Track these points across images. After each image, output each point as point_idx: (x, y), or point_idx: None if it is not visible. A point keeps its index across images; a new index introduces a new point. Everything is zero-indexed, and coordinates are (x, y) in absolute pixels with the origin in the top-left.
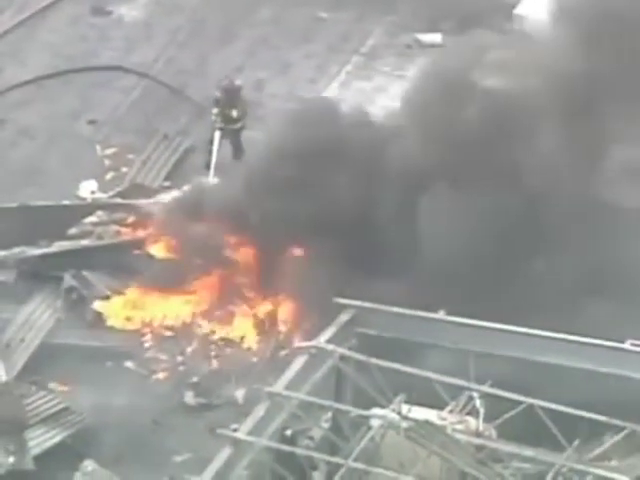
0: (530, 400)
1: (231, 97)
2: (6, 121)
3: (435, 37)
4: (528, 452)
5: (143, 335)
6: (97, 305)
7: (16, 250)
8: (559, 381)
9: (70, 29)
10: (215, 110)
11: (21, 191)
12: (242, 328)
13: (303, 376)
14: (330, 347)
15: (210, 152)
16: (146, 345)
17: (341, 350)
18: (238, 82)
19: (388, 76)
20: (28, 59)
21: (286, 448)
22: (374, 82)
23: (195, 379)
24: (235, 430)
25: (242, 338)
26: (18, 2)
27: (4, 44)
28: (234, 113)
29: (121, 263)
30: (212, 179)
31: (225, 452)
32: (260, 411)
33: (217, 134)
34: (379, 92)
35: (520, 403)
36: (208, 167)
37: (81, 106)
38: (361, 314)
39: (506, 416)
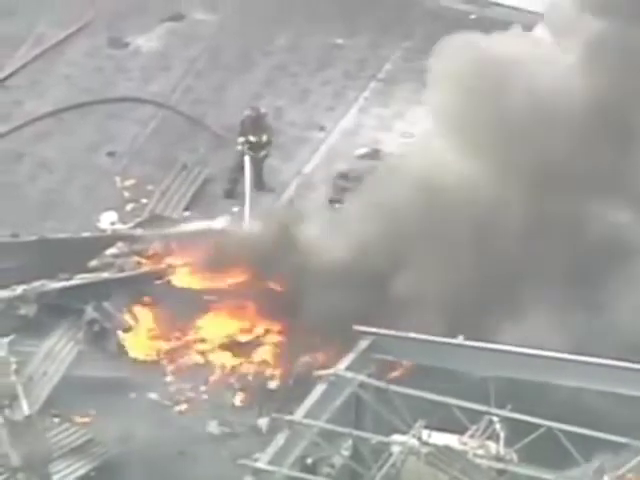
0: (550, 423)
1: (258, 124)
2: (25, 155)
3: None
4: (549, 476)
5: (166, 366)
6: (119, 336)
7: (37, 284)
8: (578, 403)
9: (87, 61)
10: (241, 139)
11: (41, 224)
12: (264, 356)
13: (323, 404)
14: (349, 374)
15: (231, 181)
16: (169, 376)
17: (360, 377)
18: (263, 110)
19: (406, 102)
20: (46, 92)
21: (307, 477)
22: (392, 108)
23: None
24: (256, 460)
25: (264, 366)
26: (35, 35)
27: (22, 77)
28: (264, 138)
29: (142, 294)
30: (247, 210)
31: None
32: (280, 440)
33: (247, 160)
34: (397, 118)
35: (540, 426)
36: (228, 196)
37: (99, 138)
38: (380, 341)
39: (526, 440)
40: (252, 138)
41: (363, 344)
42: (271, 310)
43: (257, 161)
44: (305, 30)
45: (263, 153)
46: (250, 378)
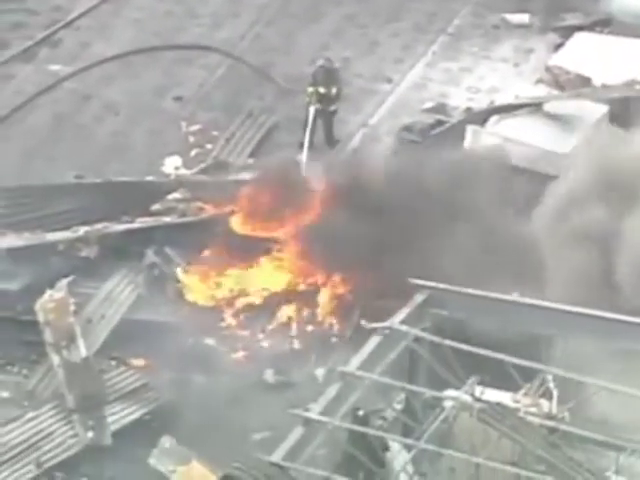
0: (603, 383)
1: (329, 76)
2: (92, 97)
3: (523, 17)
4: (600, 436)
5: (224, 312)
6: (179, 281)
7: (99, 226)
8: (633, 364)
9: (157, 5)
10: (310, 89)
11: (106, 167)
12: (323, 306)
13: (377, 357)
14: (404, 328)
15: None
16: (227, 322)
17: (415, 331)
18: (337, 64)
19: (474, 57)
20: (114, 35)
21: (358, 429)
22: (460, 63)
23: None
24: (308, 410)
25: (323, 316)
26: None
27: (90, 20)
28: (333, 91)
29: (202, 240)
30: (304, 158)
31: (297, 432)
32: (333, 391)
33: (312, 111)
34: (465, 73)
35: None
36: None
37: (166, 82)
38: (435, 295)
39: (579, 399)
40: (322, 90)
41: (419, 298)
42: (331, 259)
43: (326, 115)
44: None
45: (333, 107)
46: (308, 327)
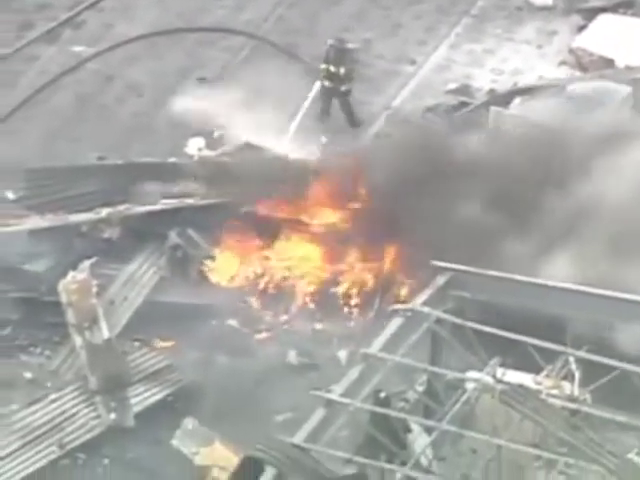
0: (626, 365)
1: (339, 56)
2: (114, 77)
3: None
4: (622, 418)
5: (247, 293)
6: (201, 263)
7: (121, 207)
8: None
9: None
10: (323, 66)
11: (128, 147)
12: (347, 287)
13: (399, 338)
14: (426, 310)
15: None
16: (250, 303)
17: (437, 313)
18: (351, 44)
19: (498, 38)
20: (137, 16)
21: (380, 410)
22: (484, 44)
23: None
24: (330, 391)
25: (347, 297)
26: None
27: (114, 1)
28: (342, 71)
29: (226, 222)
30: (292, 130)
31: (319, 413)
32: (355, 373)
33: (316, 85)
34: (488, 54)
35: (615, 369)
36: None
37: (190, 64)
38: (458, 277)
39: (601, 381)
40: (332, 68)
41: (441, 280)
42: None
43: (340, 95)
44: None
45: (344, 87)
46: (333, 308)
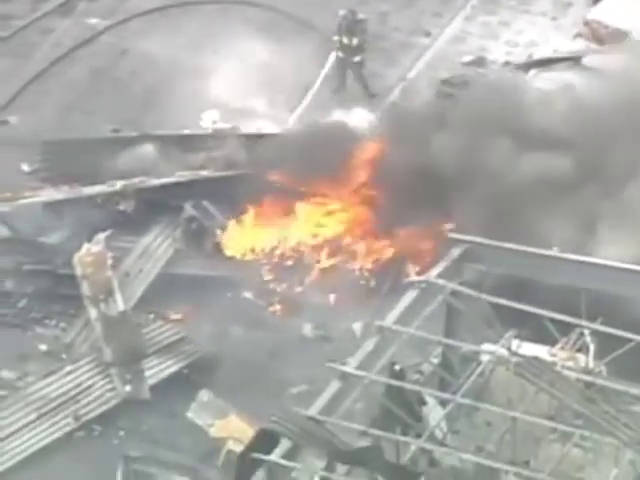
0: None
1: (350, 27)
2: (129, 50)
3: None
4: (637, 390)
5: (262, 265)
6: (217, 235)
7: (136, 180)
8: None
9: None
10: (335, 38)
11: (142, 120)
12: (362, 260)
13: (414, 311)
14: (441, 282)
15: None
16: (265, 276)
17: (452, 285)
18: (362, 15)
19: (513, 10)
20: None
21: (395, 383)
22: (499, 16)
23: None
24: (345, 364)
25: (361, 270)
26: None
27: None
28: (354, 42)
29: (241, 194)
30: (306, 102)
31: (334, 386)
32: (370, 345)
33: (331, 57)
34: (503, 27)
35: (630, 341)
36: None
37: (204, 36)
38: (473, 249)
39: (616, 354)
40: (344, 39)
41: (456, 252)
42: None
43: (353, 66)
44: None
45: (357, 59)
46: (347, 281)
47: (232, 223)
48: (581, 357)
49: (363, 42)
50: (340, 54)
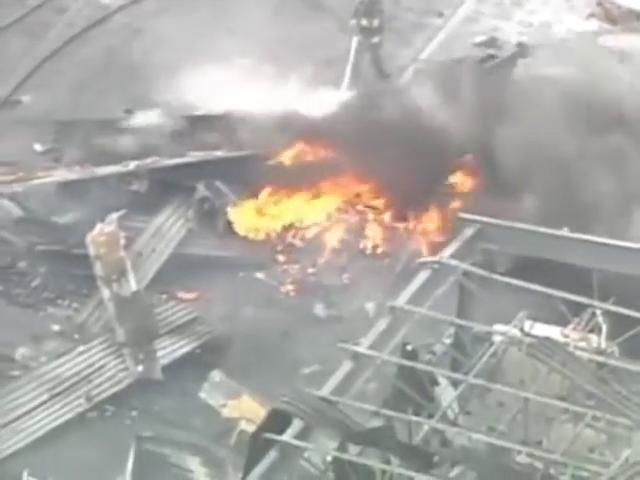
0: None
1: (368, 9)
2: (143, 30)
3: None
4: None
5: (275, 245)
6: (229, 215)
7: (149, 160)
8: None
9: None
10: (353, 21)
11: (155, 100)
12: (375, 239)
13: (426, 291)
14: (453, 262)
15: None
16: (277, 256)
17: (464, 266)
18: None
19: None
20: None
21: (407, 363)
22: None
23: None
24: (357, 344)
25: (375, 249)
26: None
27: None
28: (375, 23)
29: (253, 173)
30: (345, 90)
31: (346, 366)
32: (382, 325)
33: (355, 42)
34: (516, 7)
35: None
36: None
37: (218, 17)
38: (485, 229)
39: (628, 334)
40: (364, 22)
41: (468, 232)
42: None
43: (372, 48)
44: None
45: (376, 40)
46: (360, 260)
47: (245, 203)
48: (593, 337)
49: (383, 22)
50: (360, 37)
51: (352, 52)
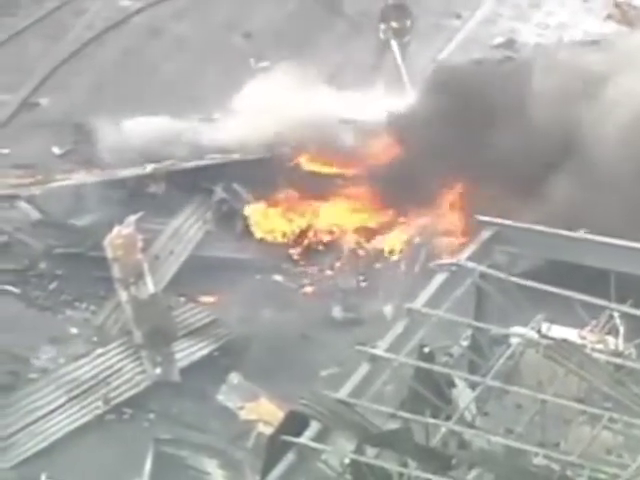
0: None
1: (401, 9)
2: (161, 32)
3: None
4: None
5: (293, 248)
6: (247, 217)
7: (167, 162)
8: None
9: None
10: (383, 26)
11: (174, 102)
12: (393, 242)
13: (443, 293)
14: (471, 265)
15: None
16: (295, 258)
17: (482, 268)
18: None
19: None
20: None
21: (424, 365)
22: None
23: None
24: (374, 346)
25: (392, 252)
26: None
27: None
28: (407, 23)
29: (271, 177)
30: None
31: (363, 368)
32: (399, 328)
33: (394, 45)
34: (534, 9)
35: None
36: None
37: (236, 18)
38: (502, 232)
39: None
40: (395, 24)
41: (485, 234)
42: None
43: (401, 48)
44: None
45: (406, 39)
46: (377, 264)
47: (263, 206)
48: (611, 340)
49: (412, 23)
50: (391, 39)
51: (397, 55)
